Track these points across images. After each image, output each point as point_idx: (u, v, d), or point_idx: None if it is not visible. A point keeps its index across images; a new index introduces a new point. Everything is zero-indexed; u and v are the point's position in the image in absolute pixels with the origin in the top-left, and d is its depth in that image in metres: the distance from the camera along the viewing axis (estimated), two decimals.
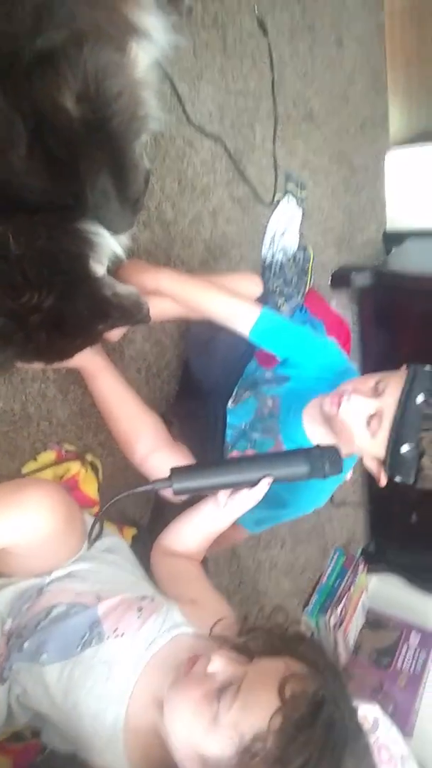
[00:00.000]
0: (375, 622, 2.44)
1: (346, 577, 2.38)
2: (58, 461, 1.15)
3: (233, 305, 1.24)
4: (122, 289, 1.02)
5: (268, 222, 1.78)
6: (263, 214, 1.76)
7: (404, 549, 2.63)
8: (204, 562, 1.15)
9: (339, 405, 1.11)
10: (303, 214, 1.91)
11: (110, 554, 1.07)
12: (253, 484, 0.99)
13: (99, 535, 1.08)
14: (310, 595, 2.32)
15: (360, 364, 2.32)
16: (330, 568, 2.41)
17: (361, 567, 2.46)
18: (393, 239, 2.53)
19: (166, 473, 0.97)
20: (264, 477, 0.98)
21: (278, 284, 1.73)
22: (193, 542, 1.09)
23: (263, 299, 1.39)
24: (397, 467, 1.08)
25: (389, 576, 2.64)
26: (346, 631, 2.24)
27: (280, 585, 2.11)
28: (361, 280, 2.19)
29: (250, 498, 1.00)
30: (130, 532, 1.23)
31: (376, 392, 1.10)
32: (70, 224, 0.86)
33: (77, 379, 1.19)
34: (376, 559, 2.67)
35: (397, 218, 2.60)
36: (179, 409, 1.41)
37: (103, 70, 0.74)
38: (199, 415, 1.39)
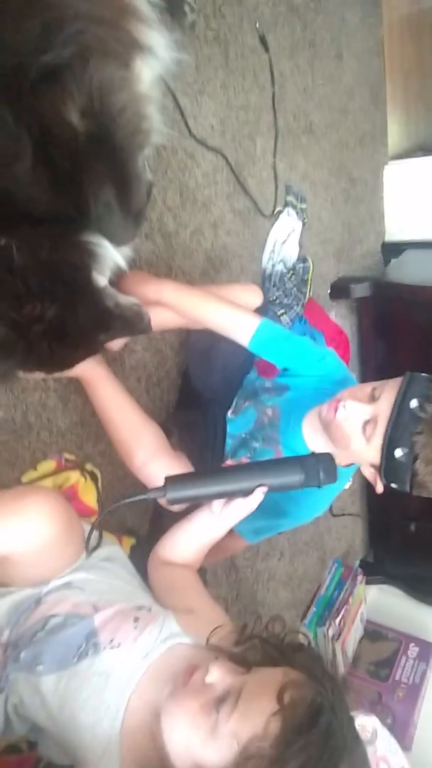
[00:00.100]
0: (373, 633, 2.43)
1: (344, 589, 2.37)
2: (58, 470, 1.15)
3: (233, 315, 1.25)
4: (124, 299, 1.03)
5: (268, 234, 1.79)
6: (263, 226, 1.77)
7: (403, 560, 2.62)
8: (202, 572, 1.15)
9: (336, 411, 1.12)
10: (303, 225, 1.93)
11: (108, 563, 1.07)
12: (247, 492, 0.99)
13: (98, 545, 1.08)
14: (309, 607, 2.31)
15: (359, 374, 2.33)
16: (328, 580, 2.41)
17: (359, 578, 2.45)
18: (392, 250, 2.54)
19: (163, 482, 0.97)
20: (259, 486, 0.98)
21: (278, 295, 1.74)
22: (188, 551, 1.09)
23: (263, 310, 1.40)
24: (392, 472, 1.08)
25: (388, 587, 2.64)
26: (344, 642, 2.23)
27: (279, 596, 2.10)
28: (360, 290, 2.20)
29: (244, 507, 1.00)
30: (129, 541, 1.23)
31: (372, 399, 1.10)
32: (73, 236, 0.87)
33: (77, 388, 1.20)
34: (375, 570, 2.66)
35: (396, 230, 2.62)
36: (179, 419, 1.41)
37: (108, 86, 0.75)
38: (199, 425, 1.39)
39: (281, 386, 1.38)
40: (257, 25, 1.65)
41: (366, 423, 1.10)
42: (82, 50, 0.73)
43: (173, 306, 1.22)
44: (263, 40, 1.68)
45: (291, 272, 1.83)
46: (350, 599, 2.34)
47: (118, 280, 1.10)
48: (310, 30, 1.93)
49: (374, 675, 2.26)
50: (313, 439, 1.25)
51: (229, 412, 1.41)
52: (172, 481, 0.97)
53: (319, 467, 0.99)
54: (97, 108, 0.75)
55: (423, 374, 1.09)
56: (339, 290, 2.22)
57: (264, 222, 1.77)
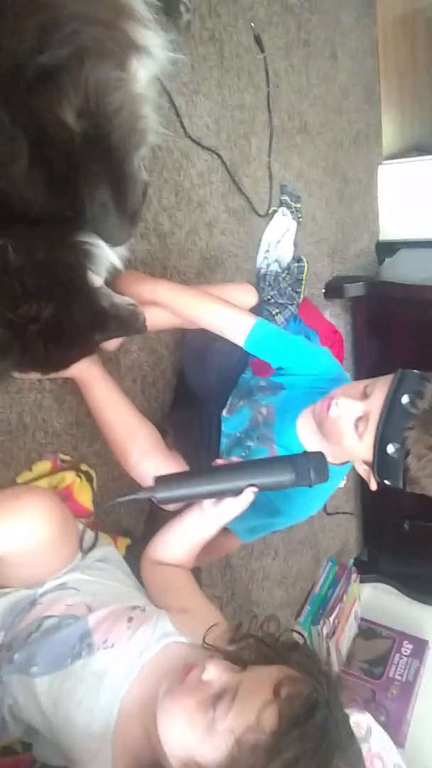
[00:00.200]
0: (367, 631, 2.44)
1: (338, 587, 2.37)
2: (53, 471, 1.15)
3: (228, 315, 1.25)
4: (119, 299, 1.03)
5: (263, 233, 1.80)
6: (258, 226, 1.78)
7: (396, 558, 2.63)
8: (197, 572, 1.15)
9: (328, 409, 1.12)
10: (298, 225, 1.93)
11: (104, 564, 1.07)
12: (238, 492, 0.99)
13: (93, 545, 1.08)
14: (303, 605, 2.31)
15: (353, 372, 2.34)
16: (322, 578, 2.41)
17: (353, 576, 2.46)
18: (386, 250, 2.55)
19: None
20: (249, 485, 0.98)
21: (273, 294, 1.75)
22: (180, 551, 1.09)
23: (258, 309, 1.40)
24: (385, 469, 1.08)
25: (382, 585, 2.65)
26: (338, 640, 2.24)
27: (273, 595, 2.10)
28: (355, 290, 2.21)
29: (235, 506, 1.01)
30: (124, 542, 1.23)
31: (364, 396, 1.11)
32: (69, 236, 0.87)
33: (73, 389, 1.19)
34: (369, 568, 2.67)
35: (390, 229, 2.63)
36: (174, 418, 1.41)
37: (104, 86, 0.75)
38: (194, 424, 1.40)
39: (276, 385, 1.38)
40: (252, 24, 1.66)
41: (358, 420, 1.10)
42: (78, 51, 0.73)
43: (168, 306, 1.22)
44: (258, 40, 1.68)
45: (286, 272, 1.84)
46: (344, 597, 2.34)
47: (113, 279, 1.10)
48: (304, 30, 1.93)
49: (368, 673, 2.27)
50: (307, 437, 1.26)
51: (224, 411, 1.41)
52: (161, 480, 0.97)
53: (310, 466, 0.99)
54: (93, 108, 0.75)
55: (414, 371, 1.10)
56: (333, 289, 2.22)
57: (259, 221, 1.77)
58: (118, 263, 1.00)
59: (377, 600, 2.60)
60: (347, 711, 0.74)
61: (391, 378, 1.09)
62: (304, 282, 1.89)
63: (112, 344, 1.20)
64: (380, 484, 1.14)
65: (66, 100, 0.73)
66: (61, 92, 0.72)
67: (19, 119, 0.73)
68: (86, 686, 0.82)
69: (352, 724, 0.74)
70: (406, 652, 2.31)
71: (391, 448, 1.05)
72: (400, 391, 1.06)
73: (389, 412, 1.05)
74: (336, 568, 2.47)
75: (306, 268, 1.91)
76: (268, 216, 1.81)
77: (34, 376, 1.10)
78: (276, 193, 1.84)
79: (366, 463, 1.13)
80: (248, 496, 0.99)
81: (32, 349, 0.89)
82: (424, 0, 2.70)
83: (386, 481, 1.11)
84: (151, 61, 0.88)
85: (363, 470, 1.17)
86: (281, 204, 1.87)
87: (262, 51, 1.70)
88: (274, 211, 1.84)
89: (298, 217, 1.94)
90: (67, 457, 1.20)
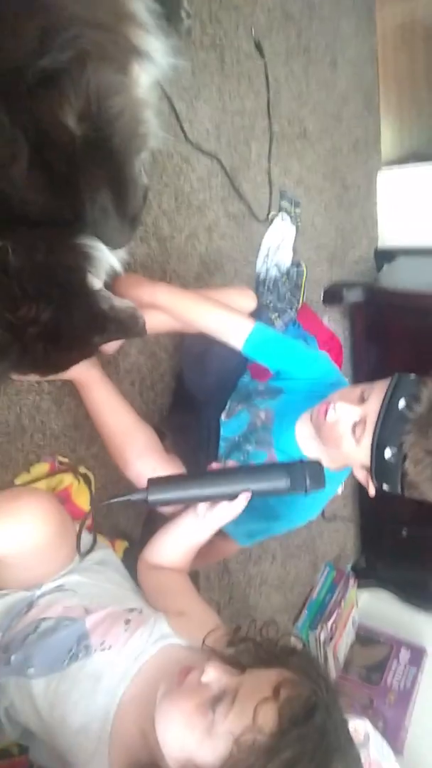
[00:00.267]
0: (365, 637, 2.43)
1: (336, 593, 2.37)
2: (51, 473, 1.15)
3: (227, 319, 1.25)
4: (119, 302, 1.03)
5: (262, 238, 1.80)
6: (258, 231, 1.78)
7: (394, 564, 2.63)
8: (195, 576, 1.15)
9: (326, 414, 1.12)
10: (297, 230, 1.94)
11: (101, 567, 1.07)
12: (232, 497, 0.99)
13: (91, 548, 1.08)
14: (301, 611, 2.31)
15: (351, 378, 2.34)
16: (320, 584, 2.41)
17: (351, 582, 2.46)
18: (384, 256, 2.56)
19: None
20: (243, 491, 0.98)
21: (272, 299, 1.75)
22: (176, 554, 1.09)
23: (257, 314, 1.40)
24: (383, 473, 1.08)
25: (379, 591, 2.64)
26: (335, 646, 2.23)
27: (271, 600, 2.10)
28: (353, 296, 2.22)
29: (229, 511, 1.01)
30: (122, 545, 1.23)
31: (362, 400, 1.11)
32: (69, 239, 0.87)
33: (71, 391, 1.19)
34: (367, 574, 2.66)
35: (389, 236, 2.64)
36: (173, 422, 1.41)
37: (105, 90, 0.76)
38: (193, 428, 1.40)
39: (274, 389, 1.38)
40: (253, 31, 1.67)
41: (356, 424, 1.10)
42: (80, 55, 0.73)
43: (167, 309, 1.23)
44: (258, 46, 1.69)
45: (285, 277, 1.84)
46: (342, 603, 2.34)
47: (113, 282, 1.10)
48: (305, 37, 1.94)
49: (366, 679, 2.26)
50: (306, 441, 1.26)
51: (223, 415, 1.41)
52: (155, 482, 0.97)
53: (306, 474, 0.98)
54: (94, 112, 0.75)
55: (411, 375, 1.10)
56: (332, 295, 2.23)
57: (258, 226, 1.78)
58: (118, 266, 1.00)
59: (375, 606, 2.59)
60: (345, 716, 0.74)
61: (388, 382, 1.09)
62: (303, 287, 1.89)
63: (111, 347, 1.20)
64: (379, 489, 1.13)
65: (67, 104, 0.73)
66: (63, 95, 0.73)
67: (20, 122, 0.73)
68: (83, 688, 0.82)
69: (350, 730, 0.74)
70: (403, 659, 2.31)
71: (388, 453, 1.05)
72: (396, 395, 1.06)
73: (386, 416, 1.05)
74: (334, 573, 2.46)
75: (305, 274, 1.91)
76: (268, 221, 1.82)
77: (33, 377, 1.10)
78: (275, 199, 1.85)
79: (364, 467, 1.13)
80: (242, 501, 0.99)
81: (31, 351, 0.89)
82: (423, 9, 2.72)
83: (384, 486, 1.11)
84: (152, 66, 0.88)
85: (361, 475, 1.17)
86: (281, 209, 1.88)
87: (263, 57, 1.71)
88: (274, 217, 1.84)
89: (298, 223, 1.95)
90: (66, 459, 1.20)
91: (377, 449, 1.06)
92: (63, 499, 1.11)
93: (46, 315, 0.86)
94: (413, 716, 2.15)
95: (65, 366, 1.00)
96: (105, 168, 0.81)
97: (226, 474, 1.02)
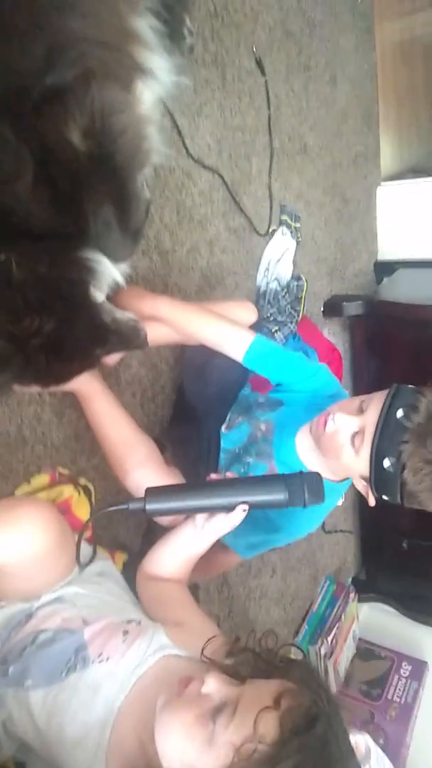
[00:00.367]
0: (366, 651, 2.41)
1: (336, 606, 2.35)
2: (52, 484, 1.15)
3: (228, 331, 1.26)
4: (121, 315, 1.04)
5: (263, 252, 1.82)
6: (258, 244, 1.80)
7: (395, 577, 2.62)
8: (195, 589, 1.15)
9: (325, 425, 1.13)
10: (297, 244, 1.95)
11: (100, 578, 1.07)
12: (230, 508, 0.98)
13: (91, 560, 1.08)
14: (301, 625, 2.29)
15: (351, 391, 2.35)
16: (320, 597, 2.39)
17: (351, 595, 2.44)
18: (384, 269, 2.58)
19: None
20: (241, 503, 0.98)
21: (272, 312, 1.76)
22: (174, 565, 1.09)
23: (257, 326, 1.41)
24: (382, 483, 1.08)
25: (380, 605, 2.62)
26: (336, 661, 2.21)
27: (271, 613, 2.09)
28: (353, 308, 2.23)
29: (226, 523, 1.00)
30: (122, 557, 1.23)
31: (360, 411, 1.11)
32: (72, 252, 0.88)
33: (72, 402, 1.20)
34: (367, 587, 2.65)
35: (388, 249, 2.66)
36: (173, 434, 1.42)
37: (109, 107, 0.77)
38: (193, 440, 1.40)
39: (275, 401, 1.39)
40: (254, 48, 1.70)
41: (354, 435, 1.11)
42: (84, 73, 0.74)
43: (169, 321, 1.23)
44: (260, 64, 1.72)
45: (285, 290, 1.86)
46: (342, 617, 2.32)
47: (115, 295, 1.11)
48: (305, 54, 1.97)
49: (366, 694, 2.24)
50: (306, 453, 1.26)
51: (223, 427, 1.41)
52: (153, 492, 0.97)
53: (305, 487, 0.98)
54: (98, 129, 0.76)
55: (409, 386, 1.10)
56: (332, 308, 2.24)
57: (259, 240, 1.80)
58: (120, 279, 1.01)
59: (376, 620, 2.57)
60: (346, 728, 0.74)
61: (387, 393, 1.10)
62: (303, 300, 1.90)
63: (112, 359, 1.21)
64: (379, 500, 1.14)
65: (72, 121, 0.75)
66: (68, 113, 0.74)
67: (25, 138, 0.74)
68: (81, 699, 0.82)
69: (352, 743, 0.73)
70: (404, 673, 2.29)
71: (387, 463, 1.05)
72: (395, 406, 1.06)
73: (384, 426, 1.05)
74: (334, 586, 2.45)
75: (305, 287, 1.92)
76: (268, 235, 1.83)
77: (35, 389, 1.10)
78: (276, 213, 1.87)
79: (363, 478, 1.14)
80: (239, 513, 0.98)
81: (34, 363, 0.90)
82: (421, 27, 2.76)
83: (384, 497, 1.11)
84: (155, 83, 0.90)
85: (361, 486, 1.17)
86: (281, 223, 1.89)
87: (264, 74, 1.74)
88: (274, 231, 1.86)
89: (298, 237, 1.96)
90: (66, 471, 1.20)
91: (376, 459, 1.06)
92: (63, 510, 1.11)
93: (48, 327, 0.87)
94: (415, 731, 2.12)
95: (67, 378, 1.01)
96: (108, 183, 0.83)
97: (224, 485, 1.02)
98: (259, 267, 1.81)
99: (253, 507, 0.99)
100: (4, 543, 0.85)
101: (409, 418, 1.03)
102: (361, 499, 2.42)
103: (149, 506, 0.95)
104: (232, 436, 1.40)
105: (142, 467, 1.16)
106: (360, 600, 2.53)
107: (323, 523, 2.25)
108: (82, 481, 1.20)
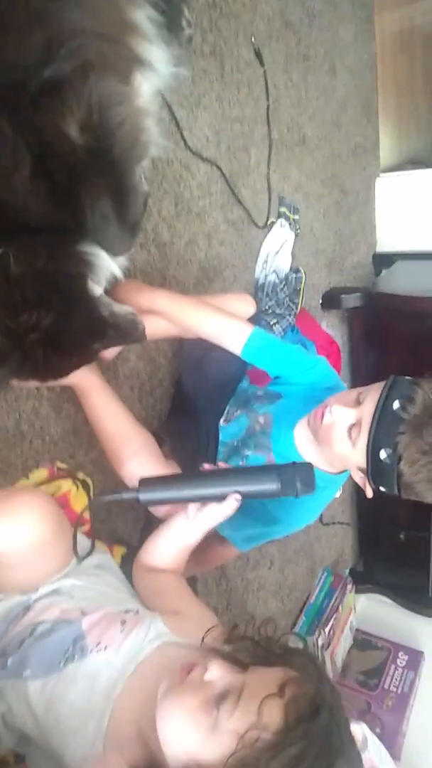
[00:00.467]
0: (363, 642, 2.43)
1: (334, 598, 2.37)
2: (50, 479, 1.15)
3: (226, 324, 1.26)
4: (119, 308, 1.03)
5: (261, 244, 1.81)
6: (257, 237, 1.79)
7: (392, 569, 2.63)
8: (193, 582, 1.15)
9: (322, 417, 1.13)
10: (296, 236, 1.95)
11: (99, 571, 1.07)
12: (222, 498, 0.99)
13: (90, 552, 1.08)
14: (298, 616, 2.31)
15: (350, 383, 2.35)
16: (318, 588, 2.41)
17: (349, 587, 2.46)
18: (382, 261, 2.58)
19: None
20: (233, 492, 0.98)
21: (271, 305, 1.76)
22: (168, 556, 1.09)
23: (256, 319, 1.41)
24: (379, 475, 1.08)
25: (377, 596, 2.64)
26: (333, 651, 2.23)
27: (268, 605, 2.10)
28: (352, 301, 2.22)
29: (218, 513, 1.01)
30: (120, 551, 1.23)
31: (358, 403, 1.12)
32: (69, 246, 0.87)
33: (71, 397, 1.20)
34: (364, 579, 2.67)
35: (387, 241, 2.65)
36: (171, 427, 1.42)
37: (107, 100, 0.77)
38: (191, 433, 1.40)
39: (273, 394, 1.39)
40: (252, 39, 1.68)
41: (351, 426, 1.11)
42: (82, 65, 0.74)
43: (167, 315, 1.23)
44: (258, 54, 1.70)
45: (283, 282, 1.85)
46: (340, 608, 2.34)
47: (113, 289, 1.11)
48: (304, 44, 1.96)
49: (363, 684, 2.26)
50: (304, 446, 1.26)
51: (222, 420, 1.42)
52: (146, 483, 0.98)
53: (297, 477, 0.99)
54: (96, 122, 0.76)
55: (406, 377, 1.11)
56: (330, 300, 2.24)
57: (257, 232, 1.79)
58: (118, 273, 1.01)
59: (373, 611, 2.59)
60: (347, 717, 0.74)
61: (383, 384, 1.10)
62: (301, 293, 1.90)
63: (110, 353, 1.21)
64: (376, 491, 1.14)
65: (69, 114, 0.74)
66: (65, 105, 0.74)
67: (22, 131, 0.73)
68: (79, 688, 0.82)
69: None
70: (401, 663, 2.31)
71: (383, 454, 1.06)
72: (391, 397, 1.06)
73: (381, 417, 1.06)
74: (331, 578, 2.46)
75: (304, 279, 1.92)
76: (267, 227, 1.83)
77: (33, 383, 1.10)
78: (274, 205, 1.86)
79: (361, 470, 1.14)
80: (232, 503, 0.99)
81: (32, 357, 0.90)
82: (421, 17, 2.74)
83: (382, 488, 1.11)
84: (154, 75, 0.89)
85: (359, 478, 1.17)
86: (279, 215, 1.89)
87: (262, 65, 1.73)
88: (273, 223, 1.85)
89: (296, 229, 1.96)
90: (64, 465, 1.20)
91: (372, 451, 1.07)
92: (61, 504, 1.11)
93: (46, 321, 0.87)
94: (411, 721, 2.15)
95: (65, 372, 1.01)
96: (106, 177, 0.82)
97: (217, 475, 1.03)
98: (258, 259, 1.81)
99: (245, 497, 1.00)
100: (0, 533, 0.85)
101: (405, 410, 1.04)
102: (358, 491, 2.43)
103: (142, 496, 0.96)
104: (230, 429, 1.40)
105: (138, 458, 1.16)
106: (357, 591, 2.55)
107: (321, 515, 2.26)
108: (81, 475, 1.20)
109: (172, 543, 1.08)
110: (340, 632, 2.31)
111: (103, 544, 1.19)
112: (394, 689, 2.22)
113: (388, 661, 2.32)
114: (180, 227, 1.47)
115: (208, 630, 0.84)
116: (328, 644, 2.21)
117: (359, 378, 2.36)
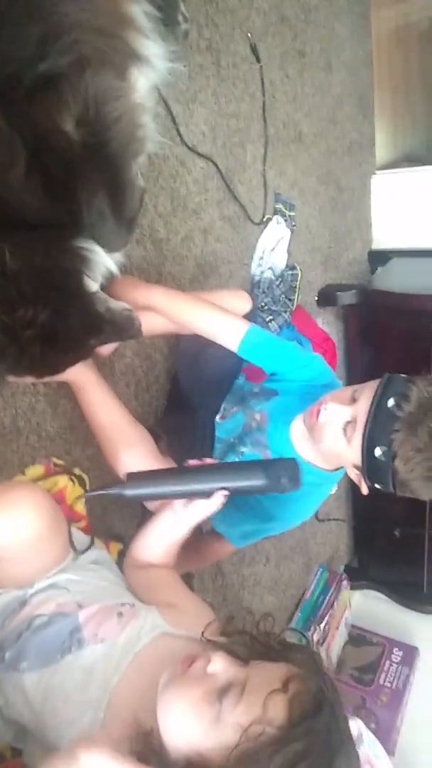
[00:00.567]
0: (358, 638, 2.45)
1: (329, 594, 2.38)
2: (47, 475, 1.15)
3: (222, 321, 1.26)
4: (115, 304, 1.03)
5: (257, 241, 1.81)
6: (253, 233, 1.79)
7: (387, 565, 2.64)
8: (188, 579, 1.15)
9: (318, 414, 1.13)
10: (291, 233, 1.95)
11: (95, 566, 1.08)
12: (209, 494, 1.00)
13: (88, 548, 1.08)
14: (294, 612, 2.32)
15: (345, 380, 2.36)
16: (313, 585, 2.42)
17: (344, 583, 2.47)
18: (378, 258, 2.58)
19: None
20: (219, 487, 0.99)
21: (266, 301, 1.76)
22: (157, 551, 1.10)
23: (252, 316, 1.41)
24: (374, 472, 1.09)
25: (372, 592, 2.66)
26: (329, 647, 2.24)
27: (264, 601, 2.11)
28: (347, 298, 2.23)
29: (204, 508, 1.02)
30: (116, 547, 1.23)
31: (353, 400, 1.12)
32: (66, 242, 0.87)
33: (67, 393, 1.20)
34: (360, 575, 2.68)
35: (383, 238, 2.66)
36: (168, 423, 1.42)
37: (103, 95, 0.76)
38: (188, 429, 1.40)
39: (269, 391, 1.39)
40: (249, 35, 1.67)
41: (347, 424, 1.11)
42: (78, 60, 0.73)
43: (163, 311, 1.23)
44: (254, 50, 1.70)
45: (279, 279, 1.85)
46: (335, 604, 2.35)
47: (109, 285, 1.10)
48: (300, 40, 1.95)
49: (358, 680, 2.27)
50: (300, 442, 1.27)
51: (218, 417, 1.42)
52: (134, 477, 0.98)
53: (282, 473, 0.99)
54: (92, 117, 0.76)
55: (401, 375, 1.11)
56: (326, 297, 2.24)
57: (253, 229, 1.79)
58: (115, 269, 1.01)
59: (368, 607, 2.61)
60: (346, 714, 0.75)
61: (378, 382, 1.11)
62: (297, 289, 1.90)
63: (106, 349, 1.21)
64: (372, 488, 1.15)
65: (65, 109, 0.74)
66: (61, 100, 0.73)
67: (17, 126, 0.73)
68: (75, 680, 0.83)
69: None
70: (396, 659, 2.32)
71: (378, 451, 1.06)
72: (386, 395, 1.07)
73: (376, 415, 1.06)
74: (327, 574, 2.47)
75: (299, 276, 1.92)
76: (263, 224, 1.82)
77: (29, 379, 1.10)
78: (270, 201, 1.86)
79: (356, 467, 1.14)
80: (218, 499, 1.00)
81: (28, 353, 0.90)
82: (417, 13, 2.74)
83: (377, 485, 1.12)
84: (150, 70, 0.89)
85: (354, 475, 1.18)
86: (275, 212, 1.88)
87: (258, 61, 1.72)
88: (269, 219, 1.85)
89: (292, 225, 1.96)
90: (61, 461, 1.20)
91: (367, 448, 1.07)
92: (58, 500, 1.11)
93: (42, 317, 0.86)
94: (405, 716, 2.16)
95: (61, 368, 1.01)
96: (102, 172, 0.82)
97: (204, 471, 1.04)
98: (254, 256, 1.81)
99: (232, 493, 1.00)
100: None
101: (400, 407, 1.04)
102: (354, 488, 2.43)
103: (129, 491, 0.97)
104: (226, 425, 1.40)
105: (134, 455, 1.16)
106: (352, 587, 2.56)
107: (316, 511, 2.27)
108: (77, 471, 1.20)
109: (159, 538, 1.09)
110: (336, 628, 2.31)
111: (100, 541, 1.20)
112: (389, 685, 2.24)
113: (382, 656, 2.33)
114: (176, 223, 1.46)
115: (207, 625, 0.84)
116: (324, 640, 2.22)
117: (355, 375, 2.37)
